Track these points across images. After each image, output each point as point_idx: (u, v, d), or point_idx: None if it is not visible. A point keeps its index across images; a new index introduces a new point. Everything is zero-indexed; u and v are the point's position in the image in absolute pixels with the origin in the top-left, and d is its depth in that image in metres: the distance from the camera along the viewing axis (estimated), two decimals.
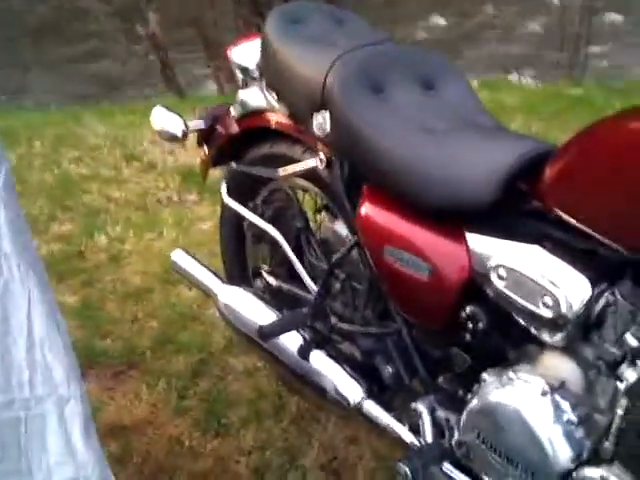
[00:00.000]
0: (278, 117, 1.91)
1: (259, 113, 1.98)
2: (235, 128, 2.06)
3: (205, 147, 2.20)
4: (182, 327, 2.54)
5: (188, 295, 2.67)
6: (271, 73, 1.86)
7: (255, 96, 1.98)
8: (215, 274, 2.03)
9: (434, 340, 1.62)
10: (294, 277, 1.95)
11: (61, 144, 3.98)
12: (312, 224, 1.98)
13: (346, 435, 2.06)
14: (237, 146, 2.10)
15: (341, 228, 1.86)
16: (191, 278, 2.05)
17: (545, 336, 1.38)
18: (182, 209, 3.28)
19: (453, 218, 1.51)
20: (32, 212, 3.27)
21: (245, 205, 2.07)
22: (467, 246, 1.48)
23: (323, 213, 1.95)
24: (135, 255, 2.95)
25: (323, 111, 1.69)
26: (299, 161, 1.88)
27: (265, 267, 2.06)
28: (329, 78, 1.66)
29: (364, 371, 1.72)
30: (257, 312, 1.86)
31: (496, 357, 1.50)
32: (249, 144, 2.07)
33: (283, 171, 1.88)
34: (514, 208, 1.47)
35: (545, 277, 1.35)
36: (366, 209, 1.64)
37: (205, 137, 2.19)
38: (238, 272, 2.20)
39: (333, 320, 1.76)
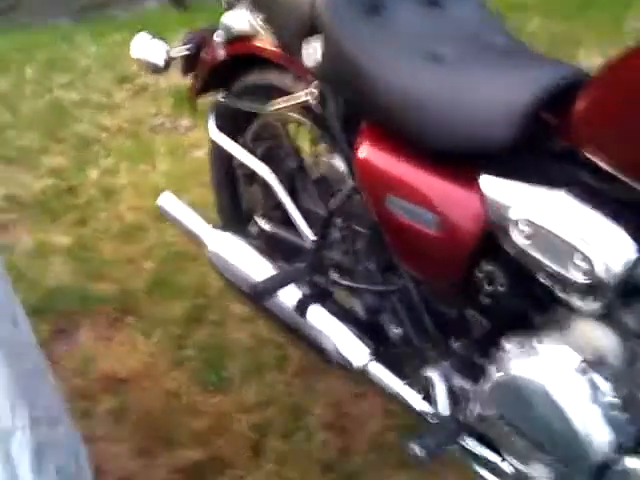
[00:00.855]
0: (265, 43, 1.68)
1: (245, 39, 1.76)
2: (221, 54, 1.84)
3: (191, 75, 1.99)
4: (179, 268, 2.37)
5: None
6: None
7: (240, 20, 1.75)
8: (204, 220, 1.84)
9: (446, 300, 1.43)
10: (290, 222, 1.76)
11: (52, 68, 3.74)
12: (309, 159, 1.78)
13: (354, 390, 1.90)
14: (224, 73, 1.89)
15: (340, 164, 1.65)
16: (178, 224, 1.87)
17: (578, 303, 1.18)
18: (175, 136, 3.07)
19: (465, 161, 1.30)
20: (24, 144, 3.09)
21: (234, 141, 1.86)
22: (481, 193, 1.28)
23: (320, 146, 1.74)
24: (128, 189, 2.76)
25: (313, 38, 1.46)
26: (290, 92, 1.67)
27: (259, 210, 1.87)
28: (318, 0, 1.43)
29: (369, 330, 1.55)
30: (249, 263, 1.68)
31: (518, 322, 1.31)
32: (236, 71, 1.85)
33: (271, 106, 1.67)
34: (537, 147, 1.25)
35: (575, 232, 1.14)
36: (364, 151, 1.43)
37: (190, 64, 1.97)
38: (232, 216, 2.01)
39: (333, 274, 1.58)
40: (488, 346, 1.34)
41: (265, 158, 1.79)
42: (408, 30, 1.42)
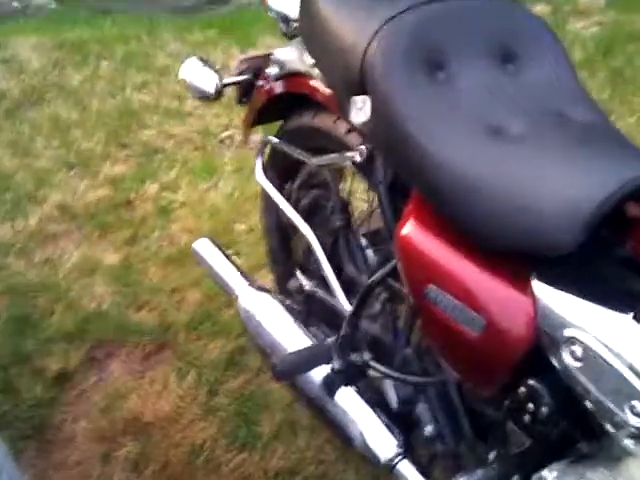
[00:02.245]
0: (319, 85, 1.52)
1: (300, 75, 1.60)
2: (276, 88, 1.69)
3: (245, 103, 1.85)
4: (225, 303, 2.23)
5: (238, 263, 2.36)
6: (308, 35, 1.46)
7: (294, 56, 1.59)
8: (241, 272, 1.69)
9: (486, 406, 1.24)
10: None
11: (129, 65, 3.67)
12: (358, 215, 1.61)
13: None
14: (279, 107, 1.74)
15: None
16: (213, 274, 1.73)
17: (631, 446, 0.99)
18: (245, 152, 2.93)
19: (519, 260, 1.11)
20: (87, 146, 3.02)
21: (281, 186, 1.71)
22: (534, 298, 1.08)
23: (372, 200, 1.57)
24: (186, 208, 2.64)
25: (363, 95, 1.29)
26: (341, 142, 1.51)
27: (302, 264, 1.71)
28: (370, 52, 1.25)
29: (400, 422, 1.37)
30: (278, 329, 1.52)
31: (561, 446, 1.12)
32: (292, 107, 1.70)
33: (317, 160, 1.51)
34: (605, 254, 1.06)
35: (638, 370, 0.95)
36: (408, 229, 1.25)
37: (245, 92, 1.83)
38: (281, 263, 1.86)
39: (366, 354, 1.40)
40: (527, 466, 1.15)
41: (310, 210, 1.63)
42: (470, 96, 1.23)
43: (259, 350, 1.59)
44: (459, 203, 1.14)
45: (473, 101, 1.22)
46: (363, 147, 1.36)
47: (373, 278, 1.38)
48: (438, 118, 1.20)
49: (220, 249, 1.75)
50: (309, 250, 1.61)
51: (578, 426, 1.09)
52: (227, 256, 1.74)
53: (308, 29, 1.44)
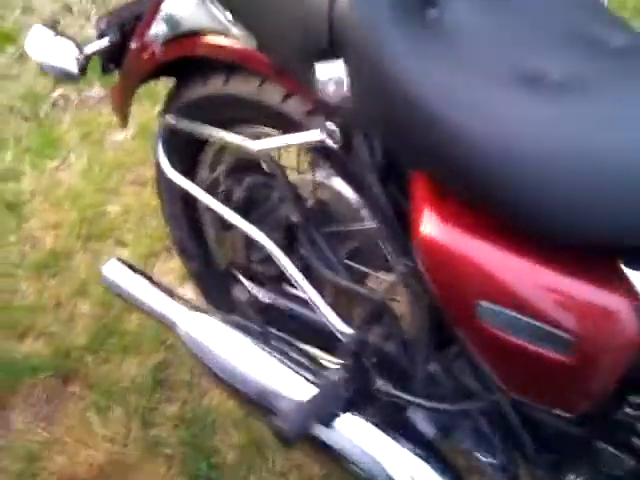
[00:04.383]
0: (237, 45, 1.16)
1: (201, 35, 1.23)
2: (166, 52, 1.31)
3: (111, 72, 1.45)
4: (126, 310, 1.86)
5: (125, 255, 1.97)
6: None
7: (191, 10, 1.21)
8: (169, 293, 1.34)
9: (560, 428, 1.01)
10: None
11: None
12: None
13: None
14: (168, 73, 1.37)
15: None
16: (135, 301, 1.36)
17: None
18: (86, 113, 2.47)
19: (601, 251, 0.86)
20: None
21: (189, 174, 1.37)
22: (634, 297, 0.84)
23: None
24: (39, 198, 2.18)
25: (332, 60, 0.96)
26: (278, 112, 1.17)
27: (244, 269, 1.38)
28: None
29: (442, 456, 1.11)
30: (248, 359, 1.20)
31: None
32: (188, 71, 1.33)
33: (260, 144, 1.17)
34: None
35: None
36: (431, 229, 0.95)
37: (113, 58, 1.43)
38: (200, 267, 1.52)
39: (384, 385, 1.12)
40: None
41: (247, 203, 1.30)
42: (481, 36, 0.94)
43: (223, 385, 1.27)
44: (508, 186, 0.86)
45: (487, 42, 0.93)
46: (334, 127, 1.04)
47: (380, 294, 1.09)
48: (451, 72, 0.90)
49: (134, 269, 1.38)
50: (248, 248, 1.29)
51: None
52: (148, 277, 1.37)
53: None
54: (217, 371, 1.26)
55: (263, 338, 1.24)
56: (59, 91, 2.57)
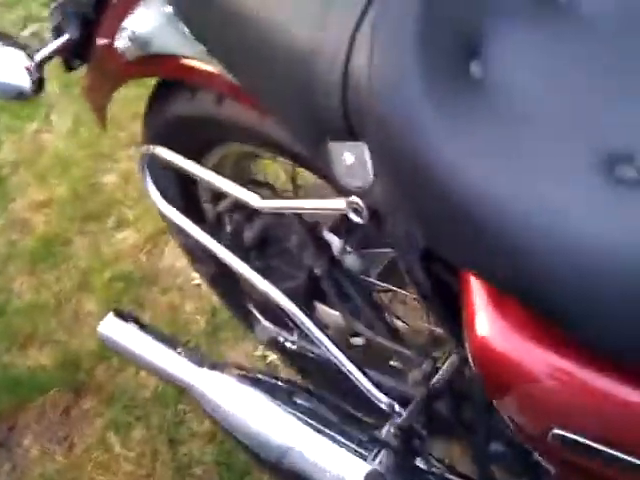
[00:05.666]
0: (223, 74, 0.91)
1: (176, 57, 0.97)
2: (129, 69, 1.06)
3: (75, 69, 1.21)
4: (138, 304, 1.68)
5: (132, 240, 1.77)
6: (200, 24, 0.82)
7: (160, 31, 0.95)
8: (179, 349, 1.14)
9: None
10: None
11: None
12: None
13: None
14: None
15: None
16: (141, 363, 1.17)
17: None
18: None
19: None
20: None
21: (198, 211, 1.14)
22: None
23: None
24: (22, 169, 1.95)
25: (351, 143, 0.72)
26: (273, 142, 0.94)
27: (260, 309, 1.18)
28: (355, 62, 0.67)
29: None
30: (264, 422, 1.02)
31: None
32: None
33: (263, 203, 0.94)
34: None
35: None
36: (493, 335, 0.73)
37: (74, 54, 1.17)
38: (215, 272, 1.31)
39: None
40: None
41: (257, 246, 1.08)
42: (541, 101, 0.67)
43: (247, 452, 1.10)
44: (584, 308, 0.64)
45: (552, 108, 0.67)
46: (360, 203, 0.80)
47: (433, 386, 0.89)
48: (508, 161, 0.65)
49: (136, 322, 1.18)
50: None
51: None
52: (151, 330, 1.17)
53: (200, 16, 0.80)
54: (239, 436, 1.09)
55: (287, 396, 1.06)
56: (31, 28, 2.27)
